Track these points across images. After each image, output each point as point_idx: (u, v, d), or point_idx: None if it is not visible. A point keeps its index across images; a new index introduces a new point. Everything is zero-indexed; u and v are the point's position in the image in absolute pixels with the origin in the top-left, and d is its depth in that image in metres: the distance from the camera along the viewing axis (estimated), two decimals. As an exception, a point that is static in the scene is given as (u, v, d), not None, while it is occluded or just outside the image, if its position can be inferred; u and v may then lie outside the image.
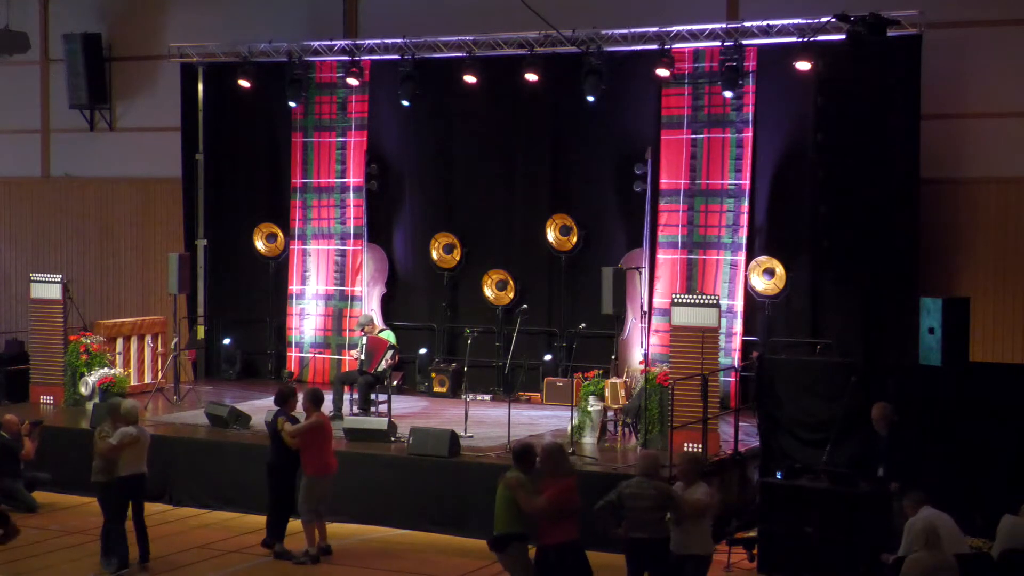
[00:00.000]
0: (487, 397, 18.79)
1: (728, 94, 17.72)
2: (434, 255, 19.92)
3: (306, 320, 20.69)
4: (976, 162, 17.76)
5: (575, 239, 19.07)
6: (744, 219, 18.04)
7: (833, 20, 16.11)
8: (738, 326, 17.94)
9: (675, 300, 15.75)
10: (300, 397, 13.71)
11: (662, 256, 18.44)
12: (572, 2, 18.55)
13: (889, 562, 11.33)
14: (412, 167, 20.36)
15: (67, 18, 23.15)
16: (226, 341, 21.01)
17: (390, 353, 17.32)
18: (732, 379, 17.26)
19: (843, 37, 16.05)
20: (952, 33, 17.54)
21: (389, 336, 17.92)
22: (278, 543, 13.58)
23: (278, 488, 13.54)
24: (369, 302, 20.13)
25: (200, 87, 21.40)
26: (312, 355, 20.60)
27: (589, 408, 15.80)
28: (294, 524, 13.67)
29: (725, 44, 17.61)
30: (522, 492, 10.63)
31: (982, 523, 11.92)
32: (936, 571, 10.34)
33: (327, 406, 17.04)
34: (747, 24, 17.57)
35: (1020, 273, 17.51)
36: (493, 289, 19.60)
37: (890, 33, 15.80)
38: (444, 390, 19.03)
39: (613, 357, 17.23)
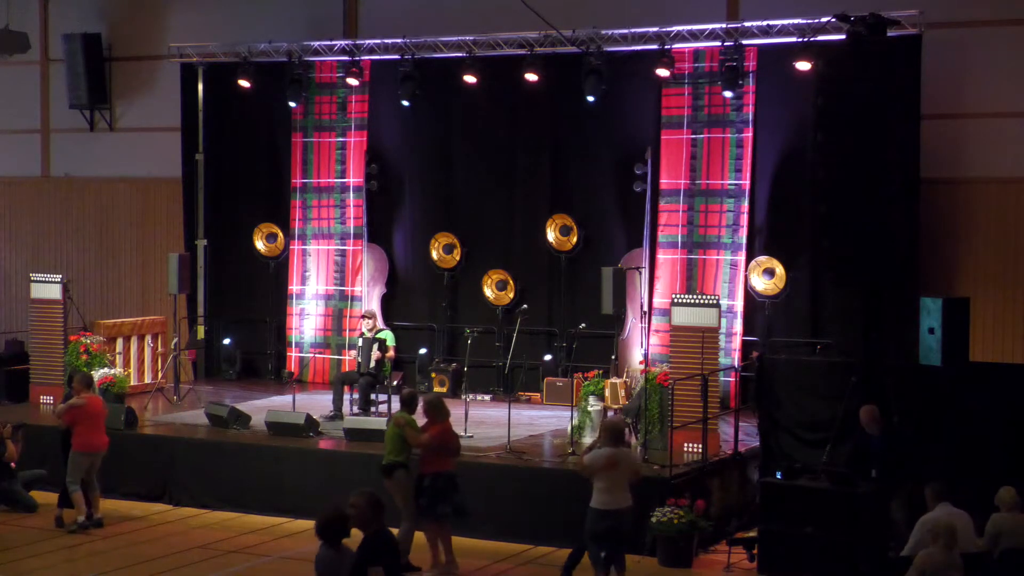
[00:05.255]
0: (487, 397, 18.79)
1: (728, 94, 17.72)
2: (434, 255, 19.91)
3: (306, 320, 20.69)
4: (976, 162, 17.74)
5: (575, 239, 19.07)
6: (744, 219, 18.05)
7: (833, 20, 16.08)
8: (738, 326, 17.94)
9: (675, 300, 15.75)
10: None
11: (662, 256, 18.45)
12: (572, 2, 18.55)
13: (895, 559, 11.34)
14: (412, 167, 20.35)
15: (67, 18, 23.12)
16: (226, 341, 21.00)
17: (375, 346, 17.27)
18: (732, 379, 17.25)
19: (843, 37, 15.99)
20: (952, 33, 17.53)
21: (386, 336, 17.88)
22: (59, 511, 14.73)
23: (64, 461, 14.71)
24: (369, 302, 20.11)
25: (200, 87, 21.39)
26: (312, 355, 20.60)
27: (589, 408, 15.77)
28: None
29: (725, 44, 17.61)
30: (409, 429, 12.58)
31: (981, 523, 11.91)
32: (946, 569, 10.37)
33: (326, 406, 17.10)
34: (747, 24, 17.58)
35: (1020, 273, 17.49)
36: (493, 289, 19.60)
37: (890, 33, 15.77)
38: (444, 390, 18.99)
39: (613, 357, 17.24)
